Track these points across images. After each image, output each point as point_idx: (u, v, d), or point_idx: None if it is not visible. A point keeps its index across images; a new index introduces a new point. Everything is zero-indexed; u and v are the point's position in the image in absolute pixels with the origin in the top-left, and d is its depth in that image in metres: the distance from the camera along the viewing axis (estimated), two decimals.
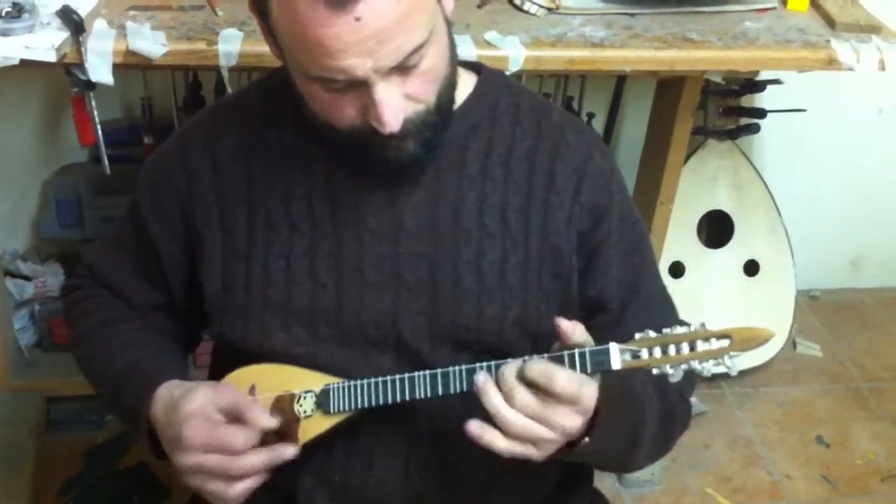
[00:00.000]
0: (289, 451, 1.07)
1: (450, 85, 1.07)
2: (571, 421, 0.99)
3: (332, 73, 0.97)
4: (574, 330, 1.01)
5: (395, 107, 1.00)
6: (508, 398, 0.99)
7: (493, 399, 0.99)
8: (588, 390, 0.99)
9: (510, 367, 1.00)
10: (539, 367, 0.98)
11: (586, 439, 1.03)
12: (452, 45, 1.07)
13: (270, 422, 1.06)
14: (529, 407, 0.98)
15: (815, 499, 2.25)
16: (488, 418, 1.00)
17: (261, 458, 1.05)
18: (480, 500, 1.21)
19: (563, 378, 0.97)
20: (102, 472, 2.12)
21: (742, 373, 2.55)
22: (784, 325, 2.53)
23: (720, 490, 2.25)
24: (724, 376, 2.52)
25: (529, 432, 0.99)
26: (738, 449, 2.36)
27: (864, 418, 2.48)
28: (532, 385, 0.98)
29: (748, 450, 2.36)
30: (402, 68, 0.99)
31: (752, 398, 2.52)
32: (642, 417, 1.12)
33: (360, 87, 0.99)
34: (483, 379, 1.00)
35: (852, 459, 2.36)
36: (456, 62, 1.09)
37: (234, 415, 1.06)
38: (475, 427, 1.00)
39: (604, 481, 2.16)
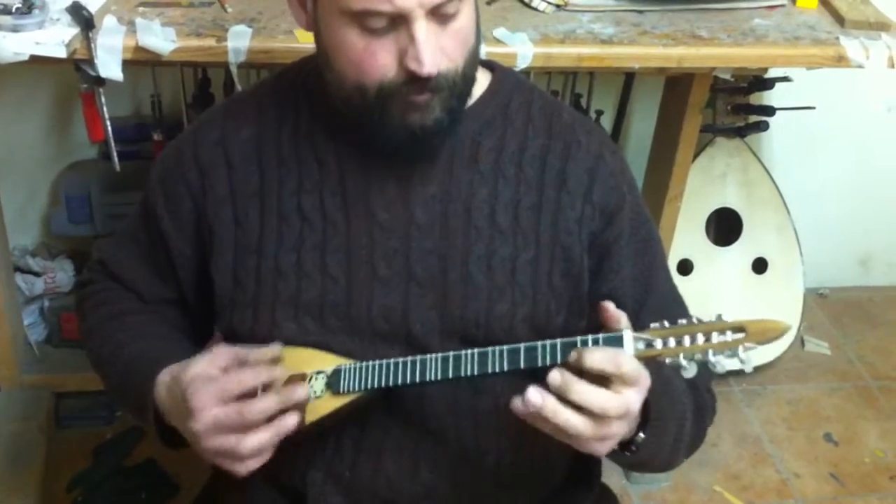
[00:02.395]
0: (300, 392, 1.04)
1: (474, 57, 1.08)
2: (634, 399, 0.96)
3: (379, 3, 0.98)
4: (620, 318, 1.00)
5: (434, 47, 1.01)
6: (583, 405, 0.94)
7: (561, 413, 0.95)
8: (645, 372, 0.97)
9: (556, 374, 0.95)
10: (600, 355, 0.95)
11: (641, 434, 1.03)
12: (478, 25, 1.09)
13: (273, 351, 1.05)
14: (609, 405, 0.95)
15: (824, 497, 2.25)
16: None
17: (273, 400, 1.02)
18: (489, 495, 1.21)
19: (628, 359, 0.95)
20: (111, 468, 2.12)
21: (751, 371, 2.54)
22: (793, 324, 2.53)
23: (728, 488, 2.24)
24: (733, 373, 2.52)
25: (603, 432, 0.96)
26: (746, 447, 2.36)
27: (873, 416, 2.48)
28: (592, 373, 0.95)
29: (756, 447, 2.36)
30: (442, 16, 1.01)
31: (761, 396, 2.52)
32: (683, 410, 1.12)
33: (399, 28, 1.00)
34: (540, 397, 0.94)
35: (860, 457, 2.36)
36: (479, 41, 1.11)
37: (237, 366, 1.04)
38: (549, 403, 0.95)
39: (611, 478, 2.16)
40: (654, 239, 1.24)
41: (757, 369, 2.53)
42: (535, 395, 0.94)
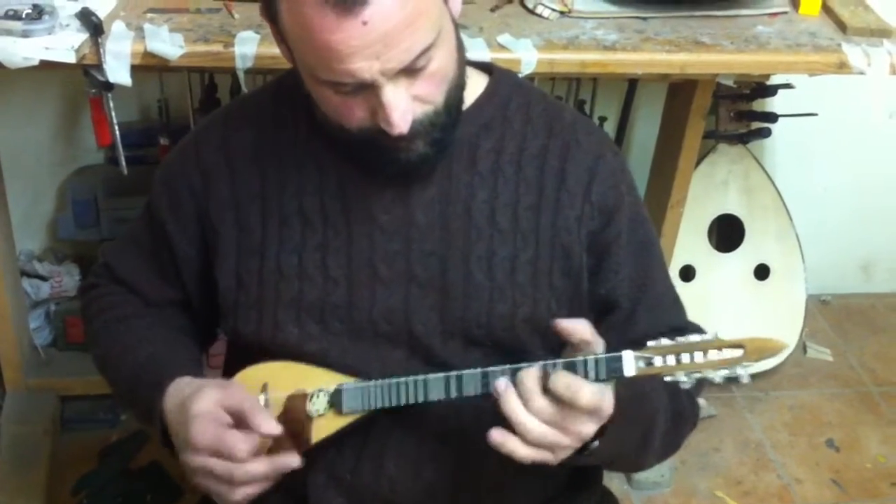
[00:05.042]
0: (293, 462, 1.06)
1: (458, 86, 1.08)
2: (588, 428, 1.00)
3: (341, 76, 0.98)
4: (575, 329, 1.02)
5: (403, 109, 1.01)
6: (527, 404, 0.99)
7: (513, 405, 0.99)
8: (607, 399, 1.00)
9: (530, 375, 1.00)
10: (564, 380, 0.98)
11: (596, 443, 1.04)
12: (460, 46, 1.08)
13: (273, 428, 1.05)
14: (547, 414, 0.99)
15: (825, 502, 2.25)
16: (505, 422, 1.00)
17: (263, 467, 1.05)
18: (491, 498, 1.22)
19: (588, 392, 0.97)
20: (116, 471, 2.13)
21: (752, 377, 2.53)
22: (794, 330, 2.54)
23: (730, 493, 2.25)
24: (735, 379, 2.51)
25: (547, 439, 0.99)
26: (748, 452, 2.37)
27: (874, 422, 2.48)
28: (553, 394, 0.98)
29: (758, 453, 2.37)
30: (410, 70, 1.00)
31: (763, 402, 2.52)
32: (653, 419, 1.13)
33: (368, 89, 1.00)
34: (504, 385, 1.00)
35: (862, 463, 2.36)
36: (464, 63, 1.10)
37: (239, 418, 1.05)
38: (497, 435, 0.99)
39: (612, 483, 2.17)
40: (652, 240, 1.25)
41: (759, 375, 2.54)
42: (496, 435, 0.99)
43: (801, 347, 2.68)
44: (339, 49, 0.96)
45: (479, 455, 1.17)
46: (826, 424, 2.47)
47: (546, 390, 0.99)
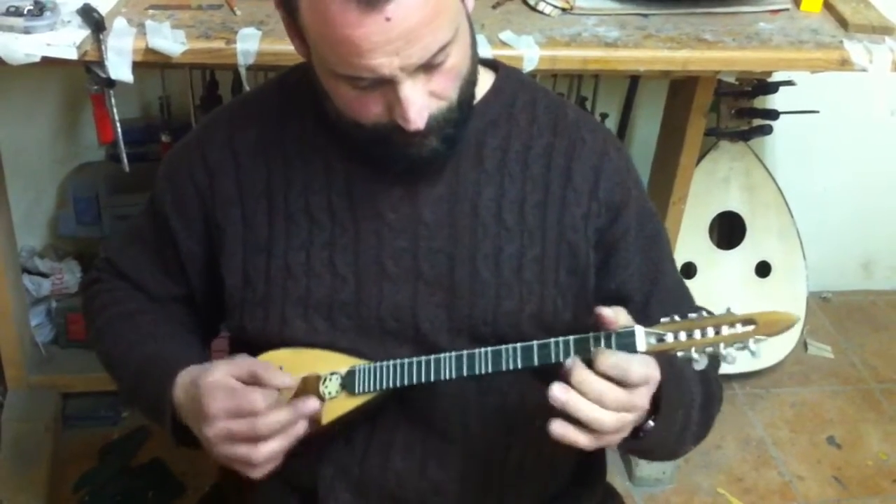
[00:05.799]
0: (311, 404, 1.06)
1: (471, 82, 1.09)
2: (644, 399, 1.00)
3: (360, 71, 0.99)
4: (617, 317, 1.01)
5: (420, 105, 1.01)
6: (599, 401, 0.97)
7: (581, 405, 0.97)
8: (654, 367, 1.00)
9: (581, 369, 0.98)
10: (610, 360, 0.97)
11: (650, 423, 1.04)
12: (474, 43, 1.09)
13: (287, 380, 1.06)
14: (621, 402, 0.97)
15: (827, 499, 2.26)
16: (554, 413, 0.98)
17: (284, 414, 1.05)
18: (496, 493, 1.21)
19: (637, 367, 0.97)
20: (117, 468, 2.13)
21: (753, 374, 2.55)
22: (795, 327, 2.53)
23: (731, 490, 2.25)
24: (737, 376, 2.52)
25: (622, 423, 0.99)
26: (749, 449, 2.37)
27: (876, 420, 2.49)
28: (602, 375, 0.97)
29: (759, 450, 2.37)
30: (428, 67, 1.00)
31: (764, 399, 2.53)
32: (692, 399, 1.14)
33: (385, 85, 1.00)
34: (563, 391, 0.97)
35: (863, 460, 2.36)
36: (477, 59, 1.11)
37: (252, 380, 1.06)
38: (559, 427, 0.97)
39: (615, 480, 2.17)
40: (660, 233, 1.25)
41: (760, 372, 2.54)
42: (558, 391, 0.97)
43: (803, 345, 2.68)
44: (361, 44, 0.96)
45: (485, 451, 1.18)
46: (827, 422, 2.48)
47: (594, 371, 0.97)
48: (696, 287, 2.38)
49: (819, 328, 2.78)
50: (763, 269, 2.49)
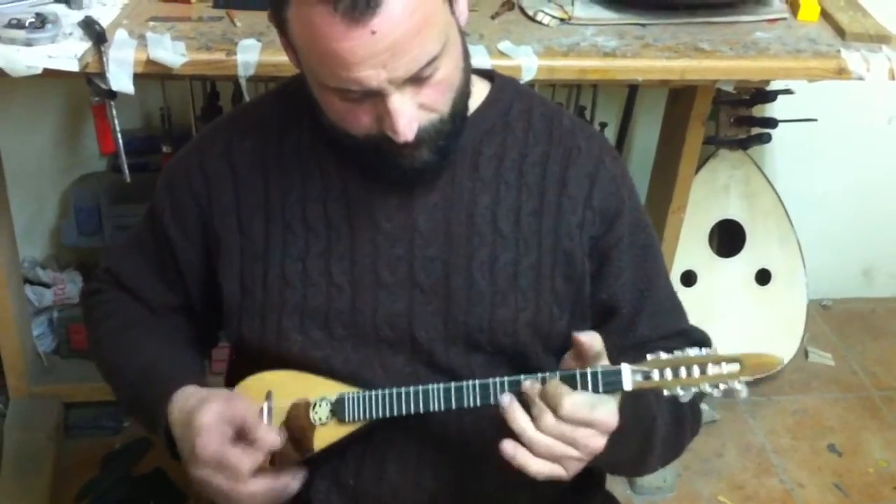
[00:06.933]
0: (293, 485, 1.11)
1: (464, 94, 1.09)
2: (595, 442, 1.01)
3: (348, 84, 0.99)
4: (593, 343, 1.02)
5: (409, 116, 1.02)
6: (536, 420, 1.00)
7: (520, 420, 1.01)
8: (605, 411, 1.00)
9: (533, 387, 1.01)
10: (569, 400, 0.99)
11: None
12: (466, 55, 1.09)
13: (276, 442, 1.07)
14: (554, 428, 0.99)
15: None
16: (511, 434, 1.01)
17: (264, 486, 1.08)
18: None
19: (569, 403, 0.99)
20: (119, 477, 2.14)
21: (754, 381, 2.54)
22: (796, 334, 2.54)
23: (732, 498, 2.25)
24: (733, 394, 2.52)
25: (553, 451, 1.00)
26: (750, 457, 2.37)
27: (876, 427, 2.49)
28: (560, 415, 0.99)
29: (760, 458, 2.37)
30: (417, 79, 1.01)
31: (765, 406, 2.53)
32: (653, 425, 1.14)
33: (375, 97, 1.01)
34: (508, 400, 1.02)
35: (864, 468, 2.36)
36: (470, 71, 1.11)
37: (241, 433, 1.07)
38: (509, 447, 1.00)
39: (615, 488, 2.17)
40: (653, 244, 1.25)
41: (761, 380, 2.54)
42: (508, 446, 1.00)
43: (803, 352, 2.68)
44: (347, 57, 0.96)
45: (481, 462, 1.18)
46: (828, 429, 2.47)
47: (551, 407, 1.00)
48: (696, 295, 2.41)
49: (819, 336, 2.78)
50: (763, 277, 2.50)
